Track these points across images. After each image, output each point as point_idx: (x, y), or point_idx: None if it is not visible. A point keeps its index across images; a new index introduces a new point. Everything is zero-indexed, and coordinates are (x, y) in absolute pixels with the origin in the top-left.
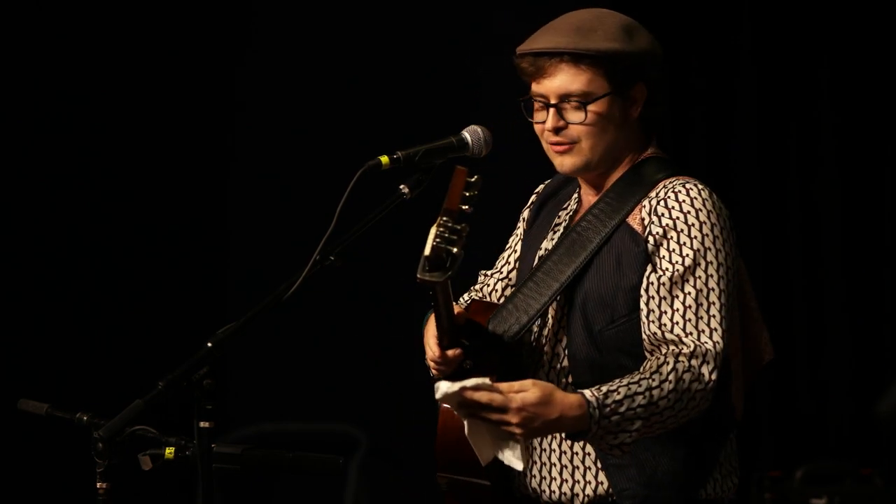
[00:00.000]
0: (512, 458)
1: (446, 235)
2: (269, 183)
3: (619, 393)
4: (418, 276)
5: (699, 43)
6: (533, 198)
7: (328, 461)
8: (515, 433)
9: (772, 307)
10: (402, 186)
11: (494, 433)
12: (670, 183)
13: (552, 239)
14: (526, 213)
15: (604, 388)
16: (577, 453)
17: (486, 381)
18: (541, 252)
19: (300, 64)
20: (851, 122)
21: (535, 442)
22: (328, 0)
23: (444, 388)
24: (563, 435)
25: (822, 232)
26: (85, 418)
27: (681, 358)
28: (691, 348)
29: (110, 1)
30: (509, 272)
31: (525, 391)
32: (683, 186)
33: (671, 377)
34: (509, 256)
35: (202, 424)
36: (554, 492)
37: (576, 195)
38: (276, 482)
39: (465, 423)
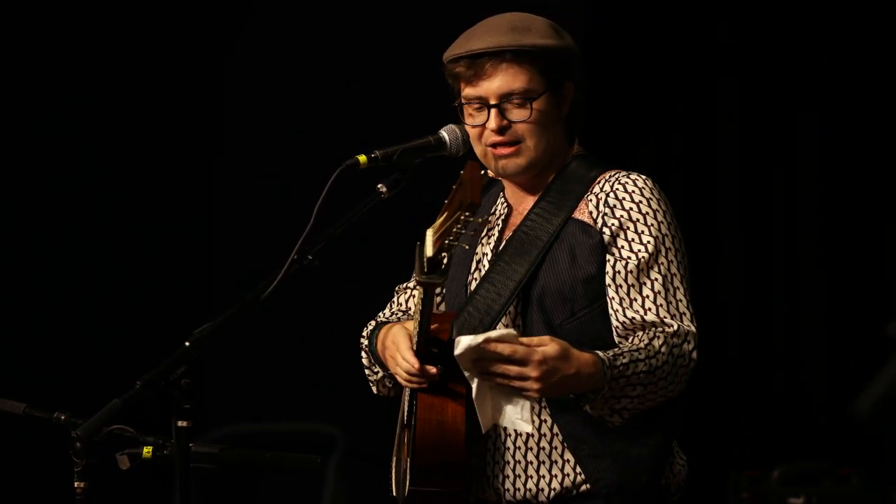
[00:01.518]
0: (518, 420)
1: (463, 232)
2: (256, 182)
3: (624, 357)
4: (419, 278)
5: (684, 42)
6: None
7: (306, 461)
8: (531, 389)
9: (752, 304)
10: (379, 186)
11: (500, 397)
12: (611, 176)
13: (489, 243)
14: None
15: (610, 352)
16: (543, 448)
17: (512, 331)
18: (478, 257)
19: (285, 65)
20: (835, 126)
21: (496, 441)
22: (309, 2)
23: (466, 341)
24: (548, 407)
25: (804, 232)
26: (62, 418)
27: (667, 337)
28: (674, 328)
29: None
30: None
31: (545, 345)
32: (629, 177)
33: (664, 350)
34: None
35: (180, 424)
36: (519, 489)
37: (501, 200)
38: (255, 481)
39: (474, 385)
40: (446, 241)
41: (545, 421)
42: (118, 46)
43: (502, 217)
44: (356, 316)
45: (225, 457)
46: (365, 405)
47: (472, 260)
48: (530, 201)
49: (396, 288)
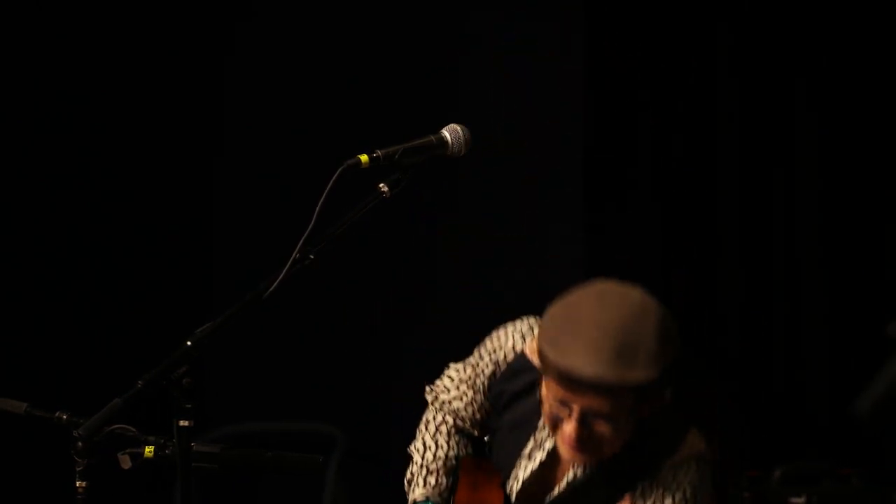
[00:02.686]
0: None
1: None
2: (256, 182)
3: None
4: None
5: (684, 42)
6: (493, 367)
7: (307, 460)
8: None
9: (752, 304)
10: (380, 185)
11: None
12: (679, 470)
13: (525, 466)
14: (487, 380)
15: None
16: None
17: None
18: (516, 474)
19: (285, 64)
20: (835, 126)
21: None
22: (310, 1)
23: None
24: None
25: (804, 232)
26: (64, 417)
27: None
28: None
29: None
30: (477, 414)
31: None
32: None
33: None
34: (476, 397)
35: (181, 423)
36: None
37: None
38: (256, 481)
39: None
40: None
41: None
42: (118, 46)
43: (549, 451)
44: (356, 316)
45: (226, 456)
46: (365, 405)
47: (516, 465)
48: None
49: (450, 369)
